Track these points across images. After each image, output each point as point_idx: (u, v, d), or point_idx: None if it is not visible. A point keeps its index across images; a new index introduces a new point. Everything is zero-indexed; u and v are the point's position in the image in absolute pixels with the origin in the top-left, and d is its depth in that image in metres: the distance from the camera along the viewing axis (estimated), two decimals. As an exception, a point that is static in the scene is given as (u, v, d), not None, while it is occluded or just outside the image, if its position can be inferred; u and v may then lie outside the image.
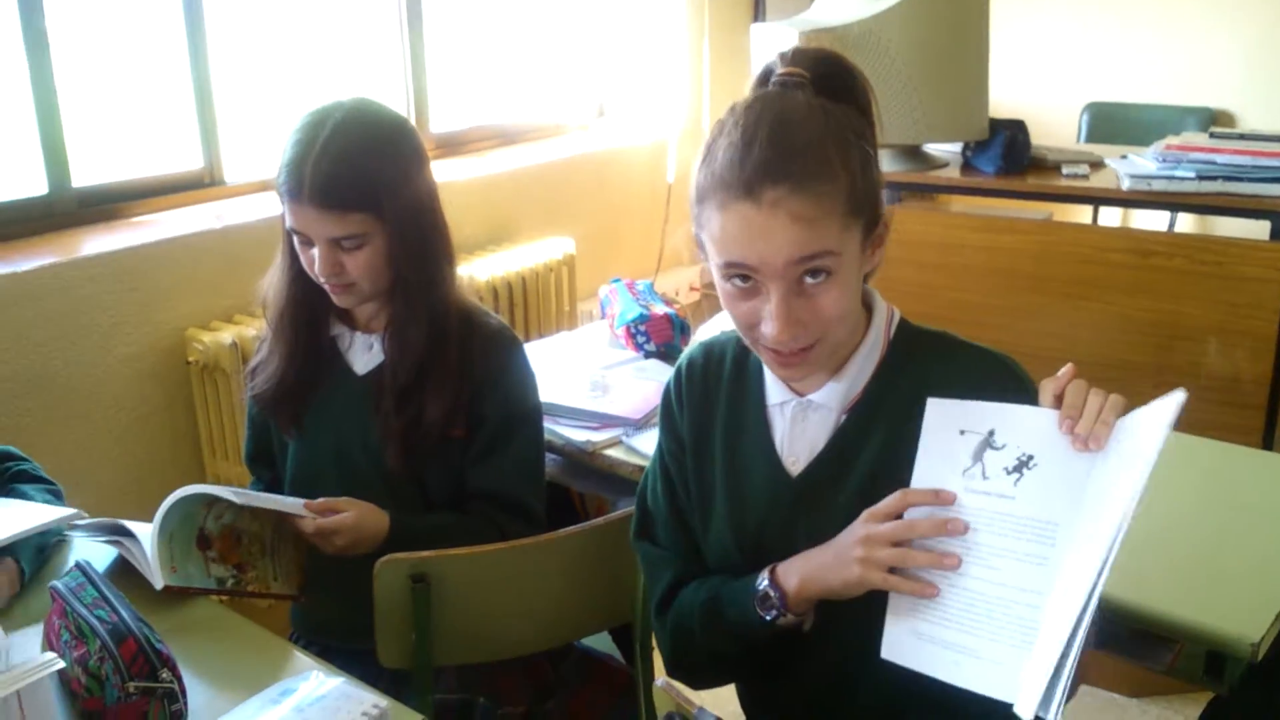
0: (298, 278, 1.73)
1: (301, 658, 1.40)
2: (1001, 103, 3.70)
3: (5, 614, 1.46)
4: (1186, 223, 3.86)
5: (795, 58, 1.21)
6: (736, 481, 1.34)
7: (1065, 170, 2.97)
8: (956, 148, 3.28)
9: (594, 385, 2.17)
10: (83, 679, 1.19)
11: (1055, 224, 3.13)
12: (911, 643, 1.11)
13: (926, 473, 1.15)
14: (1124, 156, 2.97)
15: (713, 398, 1.37)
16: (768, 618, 1.23)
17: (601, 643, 1.94)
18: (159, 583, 1.48)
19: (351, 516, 1.61)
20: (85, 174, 2.75)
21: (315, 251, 1.64)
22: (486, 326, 1.77)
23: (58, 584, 1.30)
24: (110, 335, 2.62)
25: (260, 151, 3.11)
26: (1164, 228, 3.78)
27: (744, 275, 1.16)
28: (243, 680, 1.31)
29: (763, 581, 1.24)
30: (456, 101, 3.75)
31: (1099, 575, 1.00)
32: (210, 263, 2.77)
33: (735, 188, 1.12)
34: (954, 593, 1.10)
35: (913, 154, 3.21)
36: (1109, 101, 4.25)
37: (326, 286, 1.68)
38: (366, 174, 1.61)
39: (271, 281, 1.79)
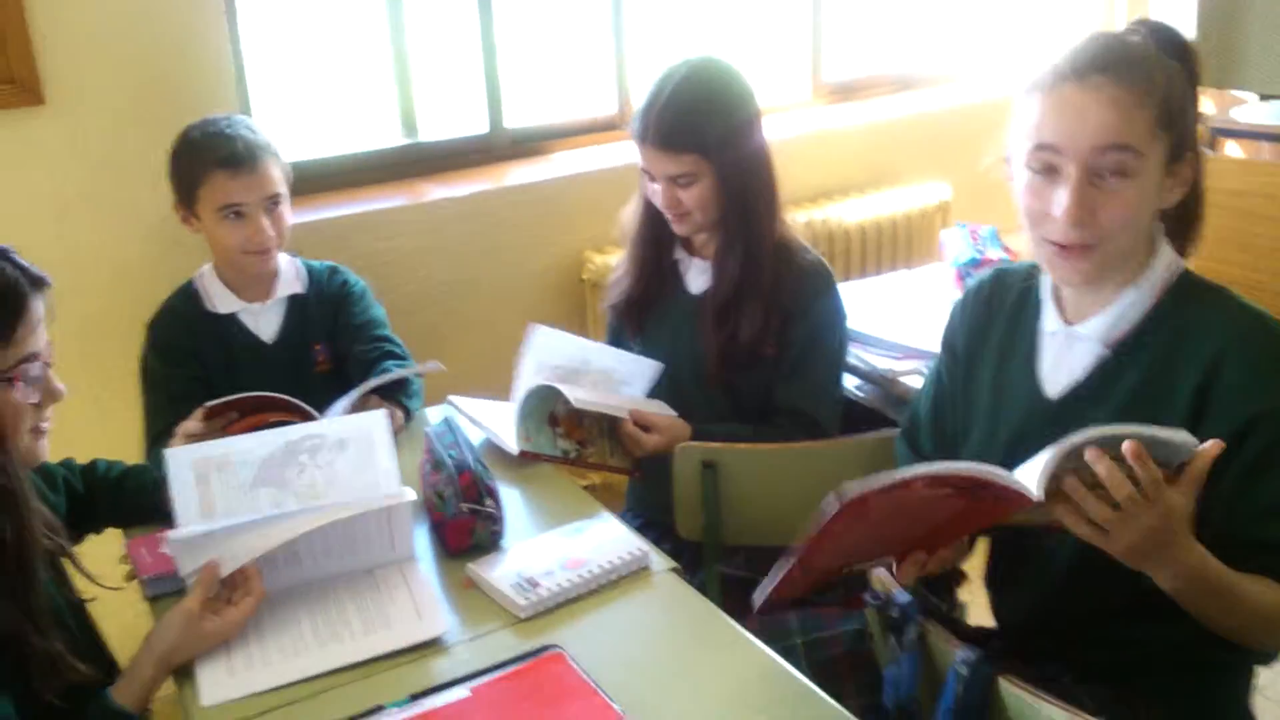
0: (647, 208, 2.06)
1: (603, 509, 1.72)
2: None
3: (398, 444, 1.86)
4: None
5: (1139, 23, 1.37)
6: (997, 398, 1.49)
7: None
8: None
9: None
10: (434, 498, 1.60)
11: None
12: None
13: None
14: None
15: (994, 319, 1.52)
16: None
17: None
18: (515, 449, 1.87)
19: (655, 441, 1.90)
20: (519, 116, 3.25)
21: (657, 186, 1.96)
22: (802, 261, 2.00)
23: (428, 429, 1.72)
24: (524, 253, 3.11)
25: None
26: None
27: (1051, 162, 1.29)
28: (555, 518, 1.67)
29: None
30: (858, 49, 3.91)
31: None
32: (609, 195, 3.15)
33: (1065, 72, 1.28)
34: None
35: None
36: None
37: (668, 216, 1.99)
38: (697, 122, 1.90)
39: (629, 212, 2.13)
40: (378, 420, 1.53)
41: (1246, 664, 1.42)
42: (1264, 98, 3.12)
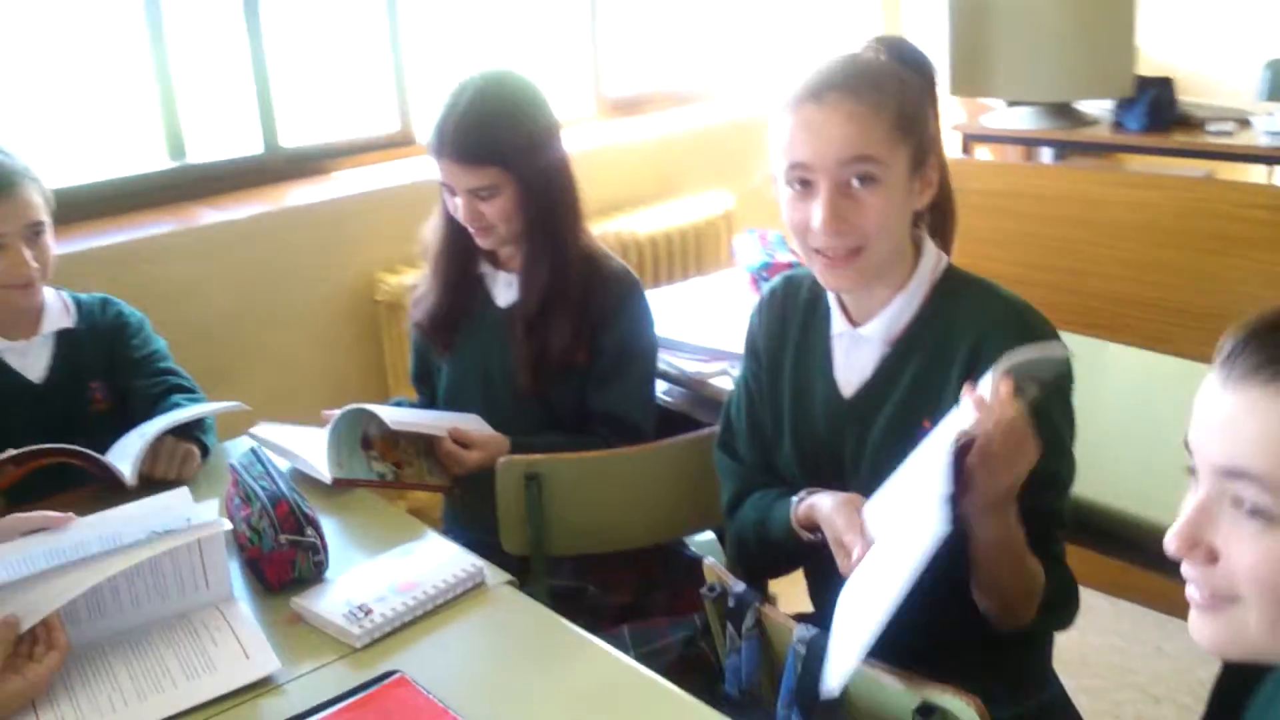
0: (449, 223, 2.01)
1: (429, 530, 1.67)
2: (1169, 60, 3.66)
3: (196, 484, 1.80)
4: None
5: (876, 40, 1.46)
6: (801, 399, 1.54)
7: (1211, 127, 2.96)
8: (1110, 105, 3.29)
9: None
10: (247, 533, 1.51)
11: (1198, 181, 3.11)
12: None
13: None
14: (1270, 114, 2.93)
15: (788, 323, 1.58)
16: (804, 538, 1.45)
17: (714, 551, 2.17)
18: (329, 477, 1.78)
19: (476, 458, 1.86)
20: (296, 135, 3.14)
21: (459, 200, 1.92)
22: (608, 269, 2.00)
23: (234, 461, 1.62)
24: (311, 276, 3.00)
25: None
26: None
27: (803, 177, 1.37)
28: (378, 544, 1.61)
29: (793, 515, 1.45)
30: (638, 66, 3.99)
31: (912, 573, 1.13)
32: (398, 214, 3.09)
33: (806, 92, 1.37)
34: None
35: (1063, 111, 3.24)
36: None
37: (471, 230, 1.95)
38: (497, 135, 1.87)
39: (430, 227, 2.08)
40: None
41: (1047, 632, 1.53)
42: (1010, 104, 3.36)
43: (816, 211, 1.36)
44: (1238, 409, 0.83)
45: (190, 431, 1.90)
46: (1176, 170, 3.21)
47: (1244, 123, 3.05)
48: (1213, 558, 0.85)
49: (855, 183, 1.35)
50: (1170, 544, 0.87)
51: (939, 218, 1.51)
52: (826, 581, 1.60)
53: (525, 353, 1.97)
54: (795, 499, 1.46)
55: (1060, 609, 1.40)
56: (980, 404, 1.19)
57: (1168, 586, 2.47)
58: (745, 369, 1.64)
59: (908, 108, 1.37)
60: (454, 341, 2.09)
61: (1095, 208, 3.04)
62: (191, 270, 2.79)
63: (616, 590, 1.97)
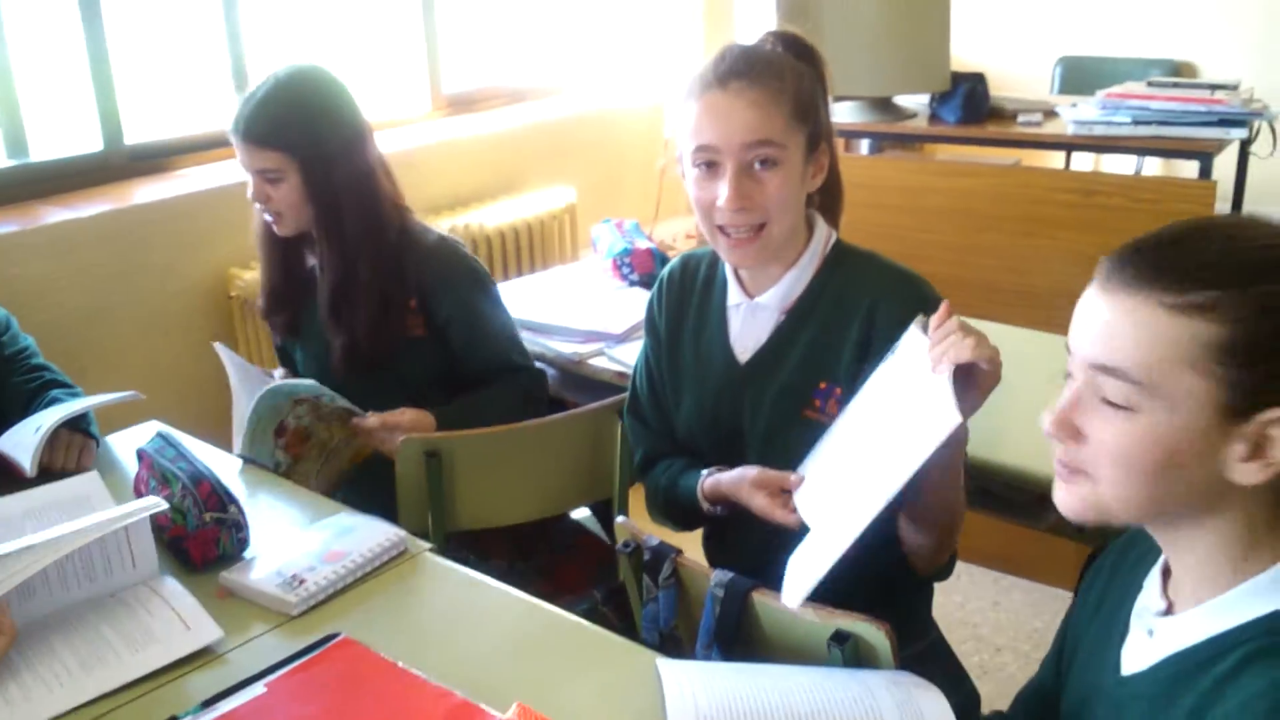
0: None
1: (342, 507, 1.71)
2: (978, 58, 3.98)
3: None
4: (1155, 165, 4.12)
5: (770, 34, 1.58)
6: (700, 367, 1.67)
7: (1021, 119, 3.25)
8: (926, 99, 3.55)
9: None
10: (169, 514, 1.52)
11: (1010, 168, 3.41)
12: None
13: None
14: (1073, 105, 3.25)
15: (687, 300, 1.70)
16: (705, 510, 1.61)
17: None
18: (237, 449, 1.81)
19: (408, 416, 1.93)
20: (136, 132, 3.07)
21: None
22: (422, 245, 2.05)
23: (143, 447, 1.64)
24: (162, 274, 2.95)
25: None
26: (1132, 170, 4.06)
27: (709, 159, 1.49)
28: (293, 522, 1.65)
29: (699, 491, 1.60)
30: (471, 63, 4.04)
31: (885, 500, 1.24)
32: (248, 210, 3.08)
33: (710, 80, 1.49)
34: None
35: (884, 106, 3.49)
36: (1079, 55, 4.50)
37: (264, 213, 2.01)
38: (285, 121, 1.94)
39: (257, 218, 2.11)
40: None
41: (928, 583, 1.69)
42: (836, 99, 3.59)
43: (722, 190, 1.48)
44: (1112, 315, 0.97)
45: (78, 424, 1.89)
46: (987, 159, 3.51)
47: (1050, 114, 3.36)
48: (1078, 438, 1.01)
49: (757, 165, 1.48)
50: (1046, 425, 1.02)
51: (828, 199, 1.64)
52: (721, 543, 1.76)
53: (336, 336, 2.02)
54: (704, 474, 1.61)
55: (952, 557, 1.57)
56: (965, 333, 1.27)
57: (1000, 546, 2.72)
58: (646, 345, 1.76)
59: (803, 97, 1.51)
60: (297, 327, 2.14)
61: (916, 195, 3.29)
62: (39, 271, 2.71)
63: (493, 555, 2.05)
